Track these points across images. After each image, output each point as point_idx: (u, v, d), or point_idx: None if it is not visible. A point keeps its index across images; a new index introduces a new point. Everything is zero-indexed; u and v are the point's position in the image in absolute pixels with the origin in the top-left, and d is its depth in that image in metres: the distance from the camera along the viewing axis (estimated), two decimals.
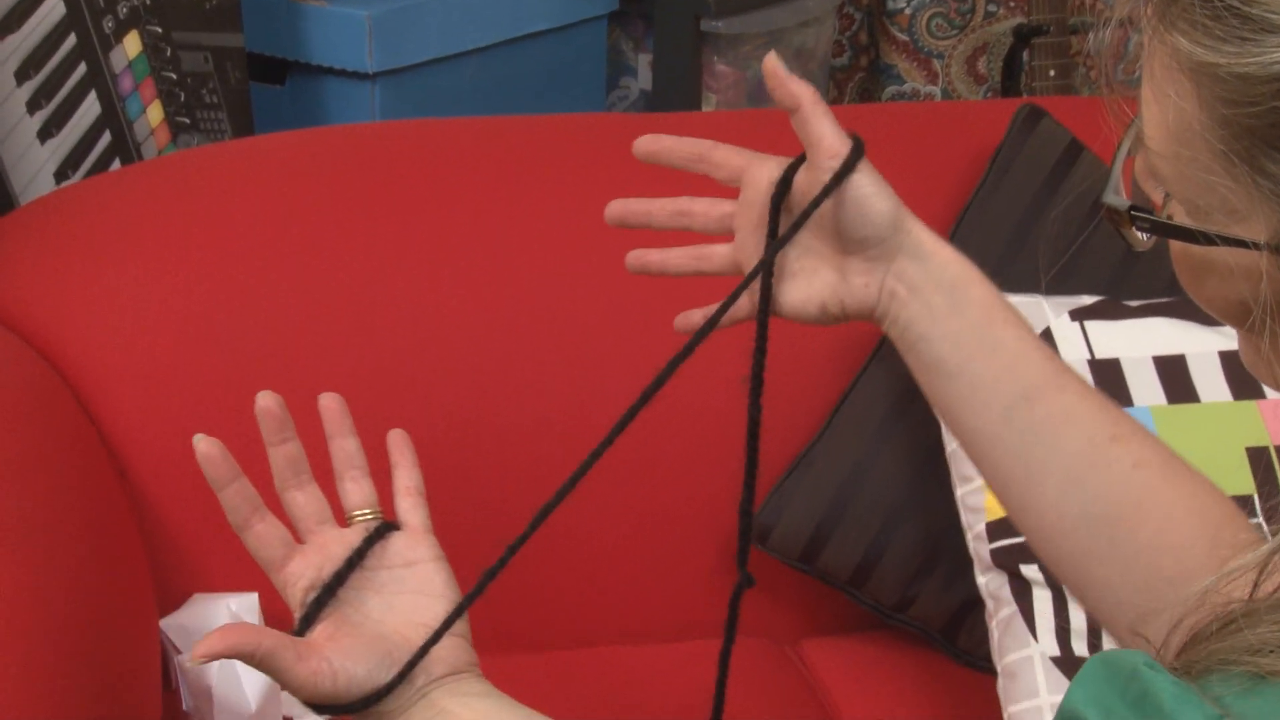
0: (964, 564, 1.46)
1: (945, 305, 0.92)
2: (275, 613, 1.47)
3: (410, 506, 0.96)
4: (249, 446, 1.47)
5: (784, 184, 0.94)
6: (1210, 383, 1.45)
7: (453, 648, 0.91)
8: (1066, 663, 1.36)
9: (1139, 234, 0.73)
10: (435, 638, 0.89)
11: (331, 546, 0.93)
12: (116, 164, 1.90)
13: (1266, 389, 1.44)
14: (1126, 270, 1.59)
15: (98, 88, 1.87)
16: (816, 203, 0.91)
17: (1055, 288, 1.56)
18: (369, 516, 0.96)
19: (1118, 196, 0.73)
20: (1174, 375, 1.46)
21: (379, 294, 1.53)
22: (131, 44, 1.90)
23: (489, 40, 2.29)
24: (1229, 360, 1.46)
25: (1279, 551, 0.65)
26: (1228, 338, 1.48)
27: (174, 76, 1.95)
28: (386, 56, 2.13)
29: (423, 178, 1.59)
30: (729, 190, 0.99)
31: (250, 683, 1.36)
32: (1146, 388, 1.44)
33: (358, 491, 0.96)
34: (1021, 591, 1.39)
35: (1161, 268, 1.64)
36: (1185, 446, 1.40)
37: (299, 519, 0.95)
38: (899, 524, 1.52)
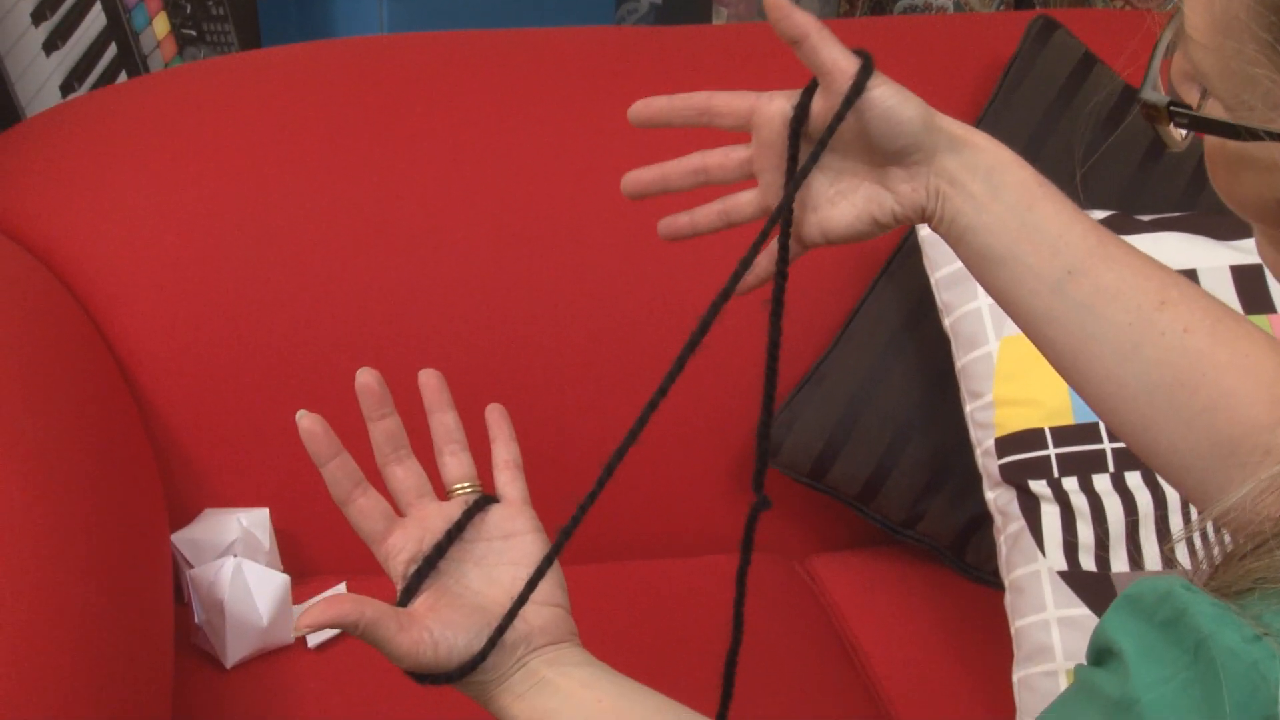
0: (972, 480, 1.46)
1: (985, 192, 0.91)
2: (285, 528, 1.48)
3: (509, 479, 0.97)
4: (254, 358, 1.47)
5: (802, 111, 0.92)
6: (1222, 297, 1.42)
7: (552, 618, 0.92)
8: (1074, 577, 1.35)
9: (1176, 132, 0.72)
10: (519, 604, 0.90)
11: (431, 519, 0.94)
12: (123, 77, 1.88)
13: (1278, 303, 1.43)
14: (1138, 185, 1.57)
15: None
16: (831, 129, 0.89)
17: None
18: (468, 490, 0.97)
19: (1156, 92, 0.72)
20: None
21: (385, 206, 1.51)
22: None
23: None
24: (1240, 274, 1.45)
25: None
26: (1240, 252, 1.46)
27: None
28: None
29: (430, 91, 1.58)
30: (738, 137, 0.97)
31: (262, 597, 1.36)
32: None
33: (457, 465, 0.97)
34: (1030, 507, 1.39)
35: (1173, 182, 1.63)
36: None
37: (399, 493, 0.96)
38: (908, 440, 1.52)
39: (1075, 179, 1.52)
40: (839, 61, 0.89)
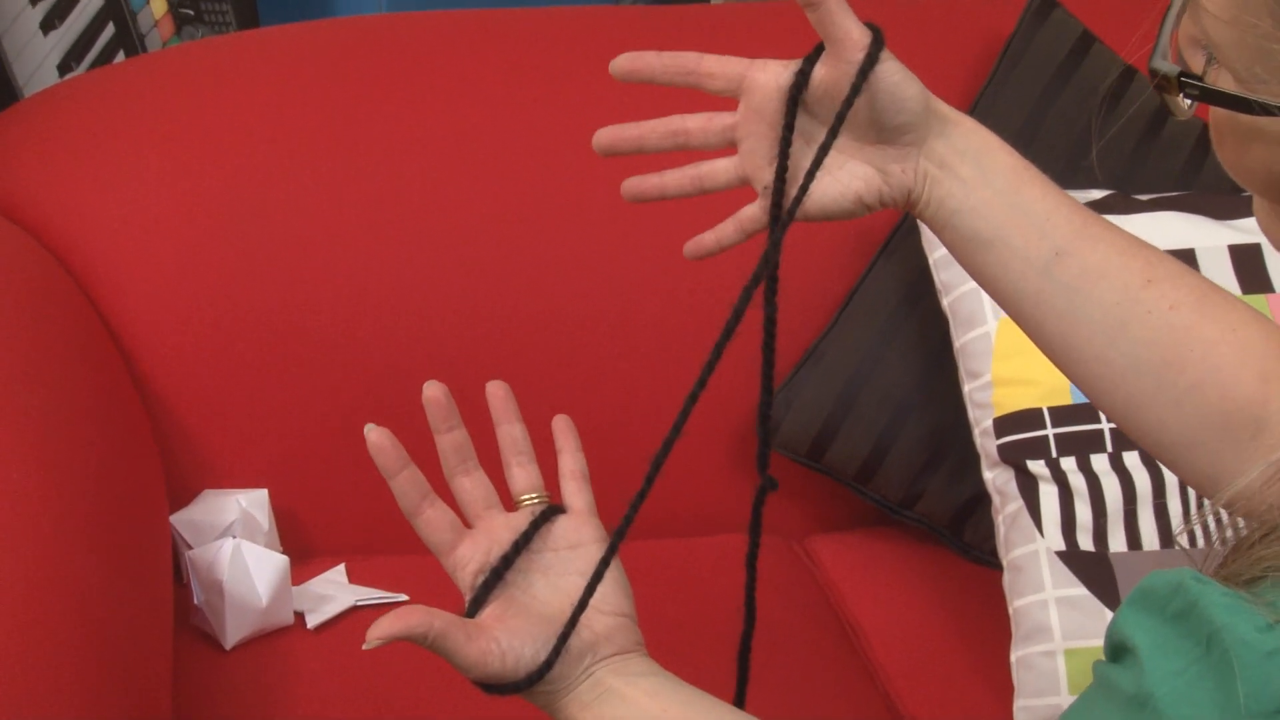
0: (970, 460, 1.46)
1: (974, 176, 0.91)
2: (284, 509, 1.47)
3: (575, 490, 0.97)
4: (253, 340, 1.47)
5: (803, 78, 0.91)
6: (1220, 276, 1.43)
7: (618, 628, 0.91)
8: (1072, 558, 1.35)
9: (1183, 101, 0.71)
10: (579, 610, 0.89)
11: (498, 531, 0.94)
12: (120, 56, 1.87)
13: (1276, 282, 1.43)
14: (1136, 165, 1.57)
15: None
16: (850, 101, 0.88)
17: (1066, 182, 1.54)
18: (535, 500, 0.96)
19: (1166, 62, 0.71)
20: None
21: (384, 184, 1.51)
22: None
23: None
24: (1238, 254, 1.44)
25: None
26: (1238, 231, 1.46)
27: None
28: None
29: (430, 70, 1.57)
30: (722, 102, 0.96)
31: (261, 577, 1.35)
32: None
33: (524, 476, 0.97)
34: (1028, 487, 1.38)
35: (1171, 162, 1.63)
36: None
37: (466, 504, 0.96)
38: (906, 420, 1.51)
39: (1090, 156, 1.51)
40: (852, 32, 0.88)
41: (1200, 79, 0.69)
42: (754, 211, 0.95)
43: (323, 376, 1.48)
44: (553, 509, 0.95)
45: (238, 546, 1.36)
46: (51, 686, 0.98)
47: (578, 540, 0.94)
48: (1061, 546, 1.35)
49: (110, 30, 1.85)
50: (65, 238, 1.45)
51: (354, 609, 1.42)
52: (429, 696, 1.30)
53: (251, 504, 1.42)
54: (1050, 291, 0.90)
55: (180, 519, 1.41)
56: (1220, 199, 1.50)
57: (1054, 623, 1.33)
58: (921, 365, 1.52)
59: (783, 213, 0.91)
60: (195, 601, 1.37)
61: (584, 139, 1.54)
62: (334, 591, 1.43)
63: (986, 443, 1.42)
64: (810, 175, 0.90)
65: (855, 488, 1.55)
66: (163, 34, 1.93)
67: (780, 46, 1.59)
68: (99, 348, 1.40)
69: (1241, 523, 0.71)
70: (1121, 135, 1.57)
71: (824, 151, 0.90)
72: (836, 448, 1.52)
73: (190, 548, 1.39)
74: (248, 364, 1.46)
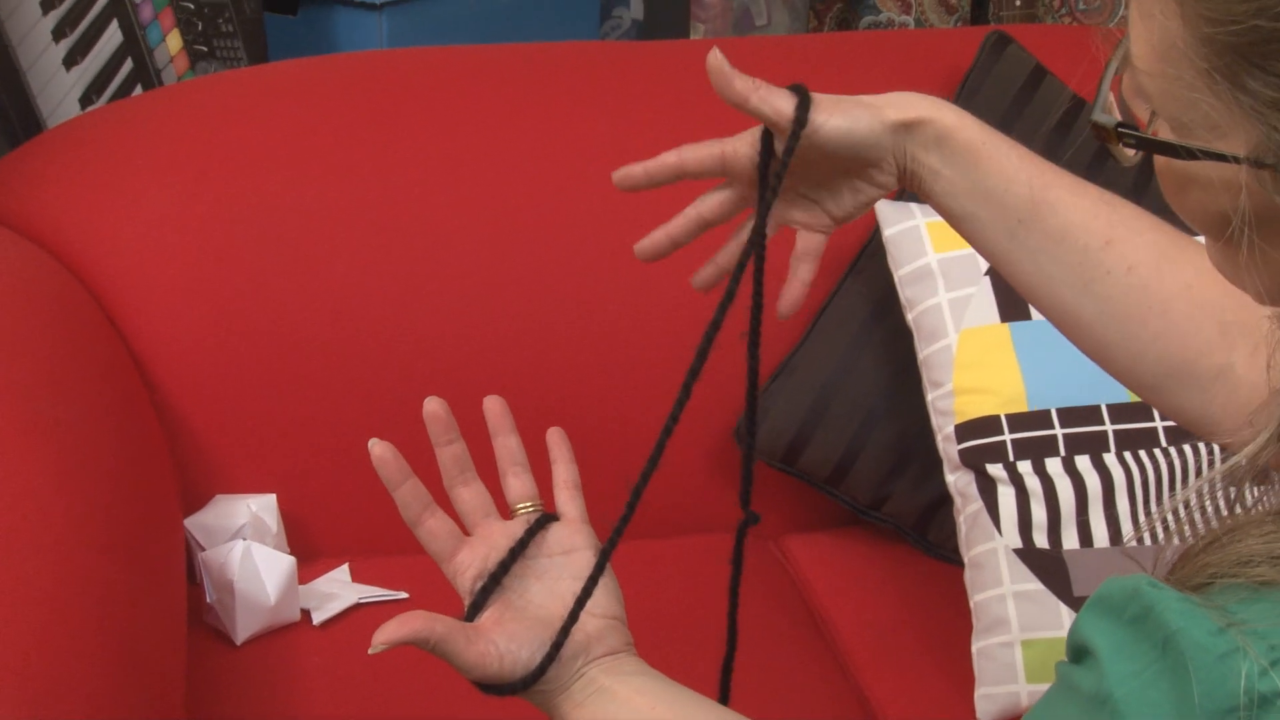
0: (934, 464, 1.46)
1: (938, 161, 0.93)
2: (291, 513, 1.47)
3: (569, 498, 0.97)
4: (261, 355, 1.46)
5: (767, 153, 0.92)
6: None
7: (609, 630, 0.91)
8: (1028, 555, 1.35)
9: (1126, 150, 0.72)
10: (571, 620, 0.90)
11: (496, 537, 0.94)
12: (138, 90, 1.87)
13: None
14: None
15: (119, 17, 1.84)
16: (779, 176, 0.90)
17: None
18: (530, 509, 0.96)
19: (1105, 114, 0.72)
20: None
21: (384, 208, 1.51)
22: None
23: None
24: None
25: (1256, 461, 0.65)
26: None
27: (192, 6, 1.92)
28: None
29: (427, 101, 1.57)
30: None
31: (270, 577, 1.35)
32: None
33: (520, 485, 0.97)
34: (987, 489, 1.39)
35: (1119, 186, 1.63)
36: None
37: (465, 513, 0.96)
38: (874, 427, 1.51)
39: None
40: (781, 110, 0.90)
41: (1134, 129, 0.70)
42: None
43: (327, 390, 1.48)
44: (547, 517, 0.95)
45: (248, 548, 1.36)
46: (73, 679, 0.98)
47: (570, 546, 0.94)
48: (1019, 544, 1.36)
49: (129, 65, 1.86)
50: (85, 259, 1.45)
51: (357, 606, 1.42)
52: (428, 689, 1.30)
53: (261, 508, 1.42)
54: (1020, 254, 0.93)
55: (193, 522, 1.41)
56: (1166, 220, 1.50)
57: (1012, 616, 1.34)
58: (888, 376, 1.52)
59: (755, 260, 0.93)
60: (208, 600, 1.37)
61: (574, 164, 1.55)
62: (338, 590, 1.43)
63: (949, 448, 1.42)
64: (760, 232, 0.92)
65: (827, 490, 1.56)
66: (178, 69, 1.93)
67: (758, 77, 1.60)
68: (117, 362, 1.40)
69: (1188, 529, 0.71)
70: (1072, 161, 1.57)
71: (759, 234, 0.92)
72: (809, 453, 1.52)
73: (203, 549, 1.39)
74: (257, 377, 1.46)
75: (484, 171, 1.54)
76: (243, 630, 1.36)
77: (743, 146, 0.94)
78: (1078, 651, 0.65)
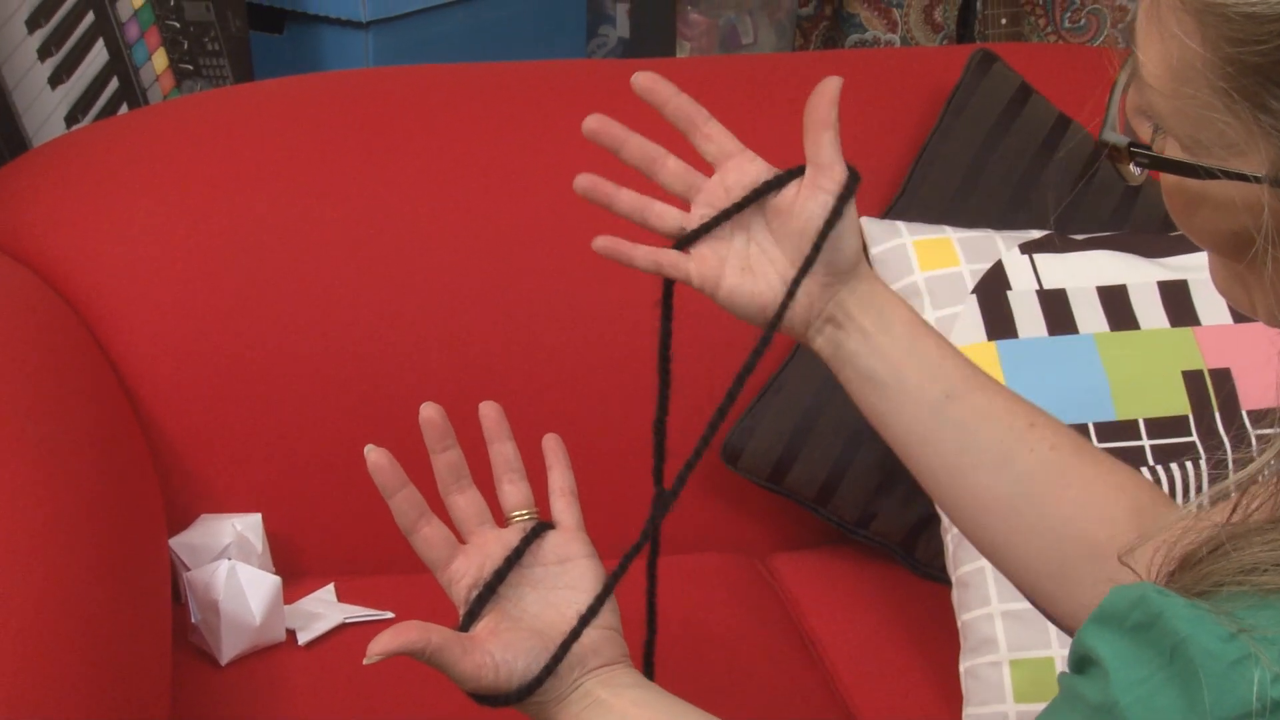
0: None
1: (875, 325, 0.93)
2: (276, 532, 1.46)
3: (564, 506, 0.96)
4: (246, 374, 1.46)
5: (776, 183, 0.93)
6: (1149, 311, 1.44)
7: (605, 640, 0.91)
8: None
9: (1133, 168, 0.72)
10: (575, 634, 0.89)
11: (491, 546, 0.93)
12: (124, 108, 1.87)
13: (1201, 316, 1.43)
14: (1072, 206, 1.57)
15: (105, 36, 1.83)
16: (830, 224, 0.91)
17: (1006, 222, 1.55)
18: (526, 516, 0.96)
19: (1115, 133, 0.72)
20: (1116, 304, 1.44)
21: (369, 227, 1.51)
22: None
23: None
24: (1167, 289, 1.45)
25: (1261, 472, 0.64)
26: (1166, 269, 1.46)
27: (177, 25, 1.92)
28: (379, 6, 2.11)
29: (413, 120, 1.57)
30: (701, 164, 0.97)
31: (255, 597, 1.35)
32: (1090, 316, 1.43)
33: (515, 493, 0.97)
34: None
35: (1104, 204, 1.63)
36: (1127, 371, 1.40)
37: (460, 521, 0.95)
38: (860, 445, 1.51)
39: (1050, 217, 1.52)
40: (836, 165, 0.91)
41: (1148, 148, 0.70)
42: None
43: (312, 409, 1.47)
44: (543, 525, 0.94)
45: (233, 568, 1.35)
46: (57, 701, 0.97)
47: (566, 555, 0.94)
48: None
49: (115, 84, 1.85)
50: (70, 277, 1.44)
51: (343, 626, 1.41)
52: (414, 708, 1.29)
53: (246, 528, 1.42)
54: (940, 430, 0.92)
55: (178, 542, 1.40)
56: (1150, 238, 1.51)
57: (1000, 635, 1.33)
58: None
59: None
60: (193, 620, 1.36)
61: (560, 182, 1.54)
62: (323, 610, 1.43)
63: None
64: (790, 294, 0.93)
65: (814, 509, 1.55)
66: (164, 87, 1.92)
67: (740, 96, 1.60)
68: (101, 381, 1.39)
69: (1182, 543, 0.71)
70: (1059, 179, 1.57)
71: (804, 270, 0.92)
72: (796, 471, 1.52)
73: (188, 569, 1.38)
74: (242, 397, 1.46)
75: (470, 189, 1.54)
76: (228, 650, 1.35)
77: (756, 165, 0.95)
78: (1081, 661, 0.65)
